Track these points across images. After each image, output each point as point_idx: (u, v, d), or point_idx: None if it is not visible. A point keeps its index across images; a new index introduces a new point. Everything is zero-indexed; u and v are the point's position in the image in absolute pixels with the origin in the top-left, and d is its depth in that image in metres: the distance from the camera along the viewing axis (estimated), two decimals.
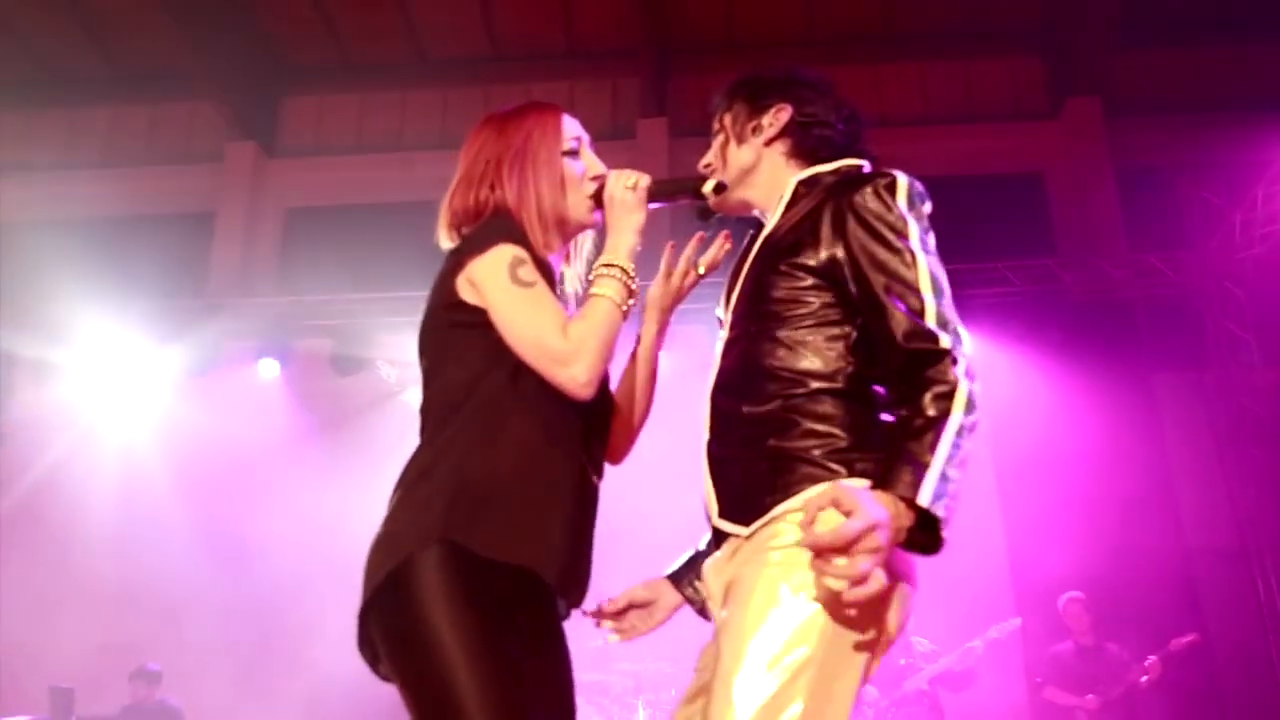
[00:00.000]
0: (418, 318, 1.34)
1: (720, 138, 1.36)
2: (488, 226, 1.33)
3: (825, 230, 1.18)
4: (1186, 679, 4.00)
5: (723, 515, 1.19)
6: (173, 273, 5.41)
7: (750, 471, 1.16)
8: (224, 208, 6.03)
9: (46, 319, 4.75)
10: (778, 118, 1.33)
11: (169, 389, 5.08)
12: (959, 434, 1.07)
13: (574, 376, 1.25)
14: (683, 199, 1.36)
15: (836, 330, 1.17)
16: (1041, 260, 5.14)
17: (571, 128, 1.42)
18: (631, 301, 1.31)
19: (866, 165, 1.28)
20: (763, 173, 1.33)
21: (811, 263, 1.18)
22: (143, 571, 4.68)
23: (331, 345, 5.03)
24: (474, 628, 1.16)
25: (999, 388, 4.83)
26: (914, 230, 1.14)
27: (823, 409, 1.15)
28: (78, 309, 4.75)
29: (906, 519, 1.04)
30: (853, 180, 1.19)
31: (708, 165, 1.36)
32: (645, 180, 1.35)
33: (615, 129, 6.09)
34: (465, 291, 1.29)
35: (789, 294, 1.19)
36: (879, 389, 1.16)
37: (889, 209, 1.15)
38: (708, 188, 1.32)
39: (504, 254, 1.29)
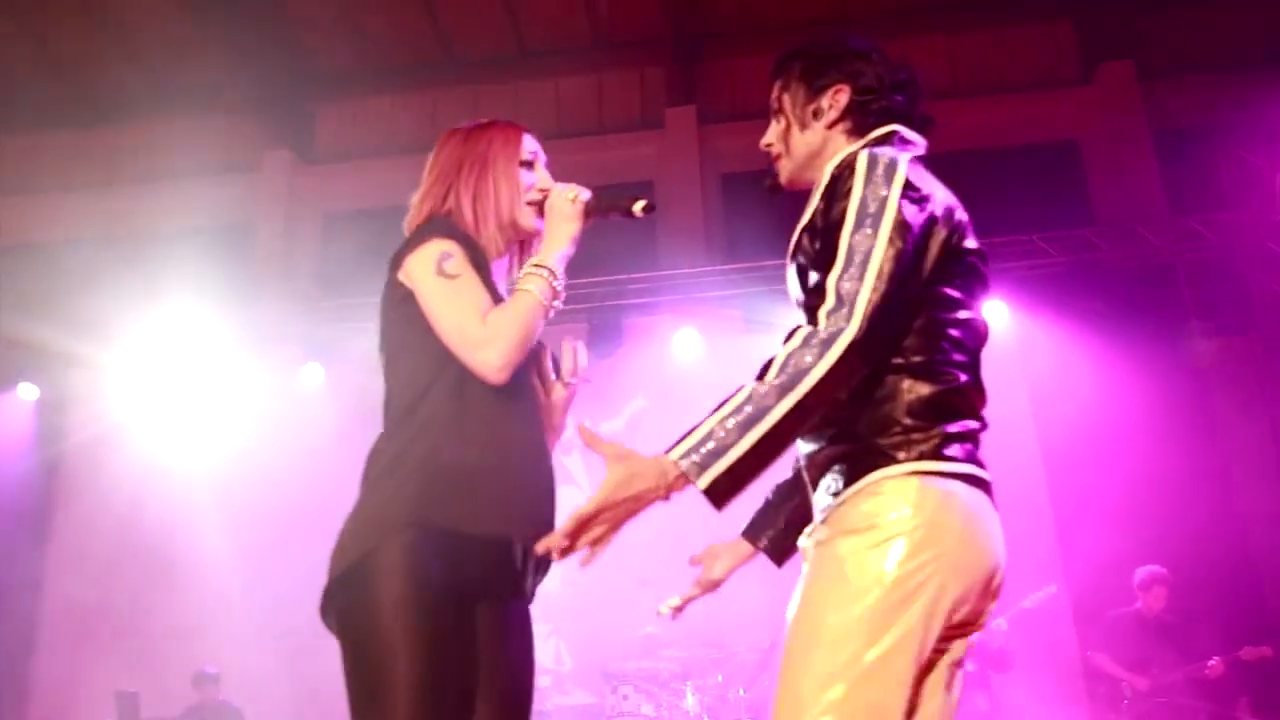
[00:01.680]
0: None
1: (781, 122, 1.38)
2: (423, 227, 1.44)
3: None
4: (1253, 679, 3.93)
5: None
6: (215, 282, 5.51)
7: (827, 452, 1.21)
8: (262, 216, 6.13)
9: (97, 329, 4.87)
10: (837, 99, 1.34)
11: (215, 397, 5.18)
12: (749, 398, 1.10)
13: (488, 360, 1.35)
14: (615, 215, 1.45)
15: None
16: (1079, 230, 5.08)
17: (530, 144, 1.53)
18: (556, 302, 1.42)
19: (902, 133, 1.30)
20: (827, 155, 1.34)
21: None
22: (199, 573, 4.79)
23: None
24: (428, 612, 1.26)
25: (1040, 361, 4.80)
26: (853, 203, 1.15)
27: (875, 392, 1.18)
28: (125, 320, 4.86)
29: (674, 476, 1.09)
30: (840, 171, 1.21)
31: (768, 145, 1.39)
32: (585, 195, 1.46)
33: (644, 119, 6.10)
34: (403, 286, 1.40)
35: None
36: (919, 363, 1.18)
37: (845, 191, 1.18)
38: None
39: (432, 249, 1.40)
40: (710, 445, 1.08)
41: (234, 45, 5.84)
